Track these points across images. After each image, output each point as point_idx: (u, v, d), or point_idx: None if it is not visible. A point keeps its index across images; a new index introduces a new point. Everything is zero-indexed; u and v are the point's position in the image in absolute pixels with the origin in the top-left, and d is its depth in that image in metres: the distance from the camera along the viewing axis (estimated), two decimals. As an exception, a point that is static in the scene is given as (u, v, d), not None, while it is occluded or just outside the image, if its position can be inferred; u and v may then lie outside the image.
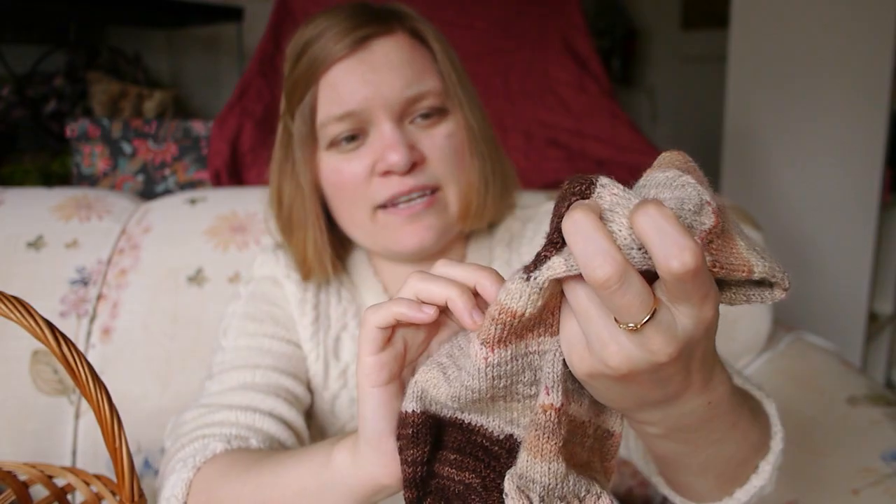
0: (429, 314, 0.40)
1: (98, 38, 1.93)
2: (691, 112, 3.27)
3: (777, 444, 0.53)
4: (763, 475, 0.52)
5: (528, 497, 0.37)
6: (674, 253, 0.30)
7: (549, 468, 0.36)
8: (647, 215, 0.30)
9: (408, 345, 0.44)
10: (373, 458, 0.44)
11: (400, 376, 0.44)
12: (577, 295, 0.34)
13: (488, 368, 0.37)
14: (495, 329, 0.36)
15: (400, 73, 0.66)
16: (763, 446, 0.52)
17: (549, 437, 0.35)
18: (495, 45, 1.58)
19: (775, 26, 2.06)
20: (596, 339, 0.34)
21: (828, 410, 0.96)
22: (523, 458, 0.36)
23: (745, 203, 1.29)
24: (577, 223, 0.32)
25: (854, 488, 0.83)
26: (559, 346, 0.36)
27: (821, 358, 1.08)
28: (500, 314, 0.35)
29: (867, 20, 1.91)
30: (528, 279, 0.34)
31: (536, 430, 0.35)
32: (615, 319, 0.33)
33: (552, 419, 0.35)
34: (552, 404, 0.35)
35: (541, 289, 0.34)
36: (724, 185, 2.22)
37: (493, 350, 0.36)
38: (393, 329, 0.43)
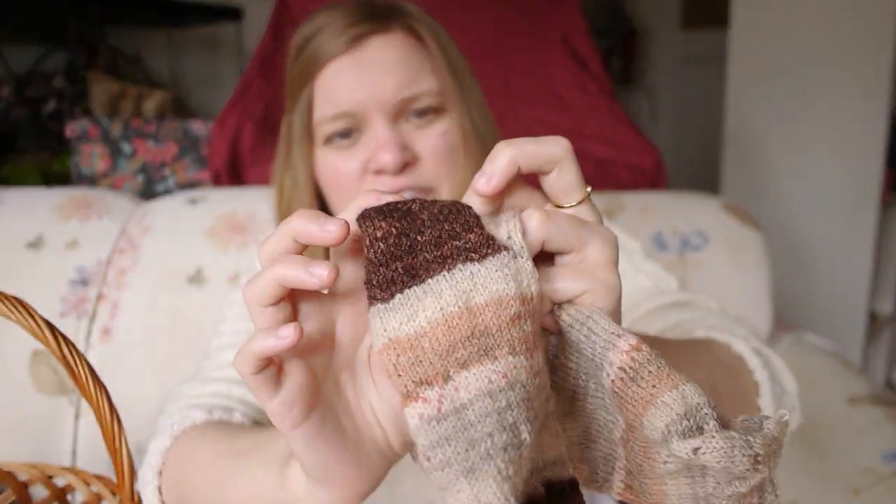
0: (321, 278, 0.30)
1: (98, 37, 1.92)
2: (691, 112, 3.27)
3: (761, 374, 0.54)
4: (767, 412, 0.53)
5: (712, 428, 0.28)
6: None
7: (693, 385, 0.28)
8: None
9: (312, 365, 0.34)
10: (326, 489, 0.37)
11: (319, 397, 0.34)
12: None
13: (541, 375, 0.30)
14: (525, 327, 0.30)
15: (395, 73, 0.66)
16: (753, 386, 0.53)
17: (665, 364, 0.29)
18: (495, 45, 1.58)
19: (775, 26, 2.06)
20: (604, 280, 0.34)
21: (828, 410, 0.96)
22: (668, 400, 0.28)
23: (745, 203, 1.29)
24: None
25: (854, 488, 0.83)
26: (591, 308, 0.32)
27: (821, 358, 1.08)
28: (517, 302, 0.29)
29: (867, 20, 1.91)
30: (503, 253, 0.30)
31: (649, 368, 0.29)
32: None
33: (647, 350, 0.29)
34: (638, 341, 0.30)
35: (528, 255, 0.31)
36: (724, 185, 2.22)
37: (532, 354, 0.30)
38: (275, 364, 0.33)
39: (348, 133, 0.68)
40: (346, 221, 0.31)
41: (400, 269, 0.30)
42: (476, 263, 0.29)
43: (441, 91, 0.68)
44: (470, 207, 0.32)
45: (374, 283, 0.30)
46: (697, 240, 1.12)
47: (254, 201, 1.08)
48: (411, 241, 0.30)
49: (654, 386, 0.28)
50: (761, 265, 1.12)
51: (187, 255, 1.03)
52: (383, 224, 0.31)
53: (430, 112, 0.68)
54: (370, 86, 0.65)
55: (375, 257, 0.30)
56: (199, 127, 1.39)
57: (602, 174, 1.45)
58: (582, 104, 1.54)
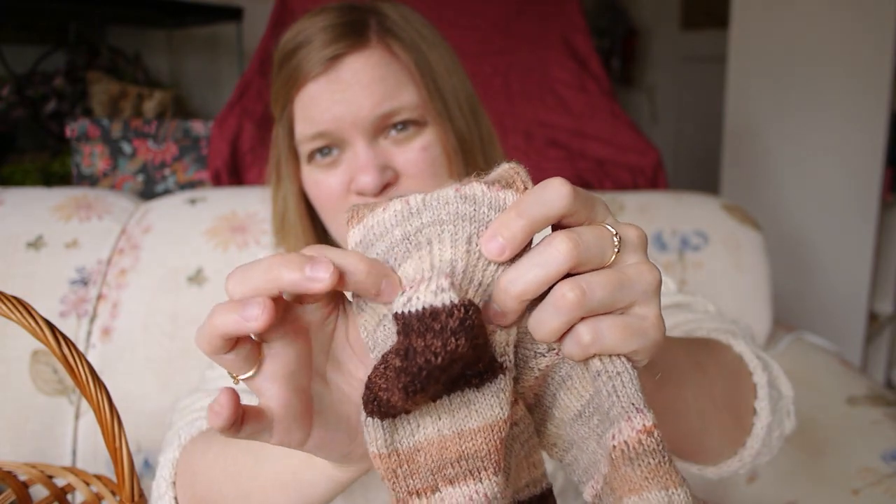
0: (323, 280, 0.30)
1: (98, 38, 1.92)
2: (691, 112, 3.27)
3: (760, 377, 0.54)
4: (763, 415, 0.53)
5: None
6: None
7: (685, 491, 0.29)
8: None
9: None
10: (352, 464, 0.39)
11: (312, 413, 0.35)
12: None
13: None
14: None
15: (371, 90, 0.65)
16: (751, 388, 0.53)
17: (667, 459, 0.29)
18: (495, 45, 1.58)
19: (775, 26, 2.06)
20: (639, 323, 0.32)
21: (828, 410, 0.96)
22: (652, 498, 0.28)
23: (745, 203, 1.29)
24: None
25: (854, 488, 0.83)
26: (626, 365, 0.31)
27: (821, 358, 1.08)
28: (507, 424, 0.31)
29: (867, 20, 1.91)
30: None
31: (649, 460, 0.29)
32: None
33: (658, 438, 0.29)
34: (654, 423, 0.30)
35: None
36: (724, 185, 2.22)
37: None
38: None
39: (329, 151, 0.68)
40: (334, 265, 0.29)
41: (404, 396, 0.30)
42: (475, 390, 0.30)
43: (420, 104, 0.67)
44: (485, 333, 0.30)
45: (378, 402, 0.29)
46: (697, 240, 1.12)
47: (254, 201, 1.08)
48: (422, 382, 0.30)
49: (646, 478, 0.29)
50: (761, 265, 1.12)
51: (187, 255, 1.03)
52: (398, 388, 0.29)
53: (410, 125, 0.67)
54: (344, 104, 0.65)
55: (385, 384, 0.29)
56: (199, 127, 1.39)
57: (602, 174, 1.45)
58: (582, 104, 1.54)
